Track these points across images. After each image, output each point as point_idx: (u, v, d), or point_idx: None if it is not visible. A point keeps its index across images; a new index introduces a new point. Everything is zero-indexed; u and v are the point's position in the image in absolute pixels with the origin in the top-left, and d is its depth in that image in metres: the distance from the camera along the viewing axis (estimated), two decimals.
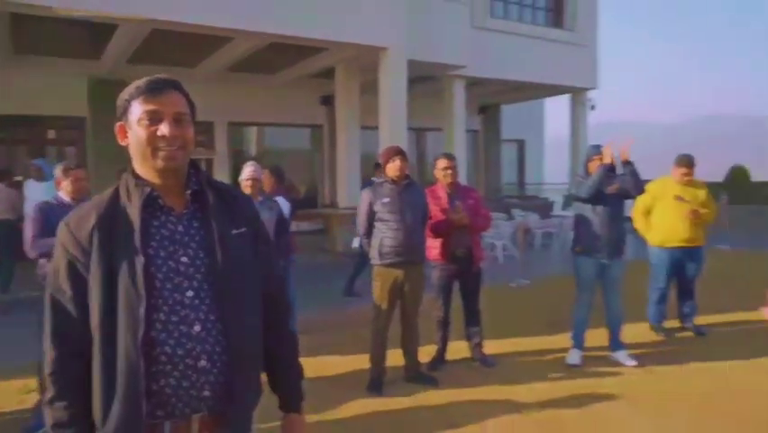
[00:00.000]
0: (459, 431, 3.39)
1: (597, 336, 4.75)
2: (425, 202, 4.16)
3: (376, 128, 9.32)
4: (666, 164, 5.41)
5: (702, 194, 5.06)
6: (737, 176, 14.88)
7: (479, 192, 4.71)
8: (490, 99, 14.45)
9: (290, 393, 1.50)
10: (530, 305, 6.57)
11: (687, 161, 4.97)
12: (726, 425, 3.43)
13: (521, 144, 16.87)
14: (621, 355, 4.52)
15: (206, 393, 1.23)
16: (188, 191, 1.31)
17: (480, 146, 15.30)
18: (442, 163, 4.40)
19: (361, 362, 4.18)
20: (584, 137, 12.68)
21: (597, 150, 4.50)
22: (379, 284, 3.99)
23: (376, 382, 4.00)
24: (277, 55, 9.72)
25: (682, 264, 5.16)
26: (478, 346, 4.57)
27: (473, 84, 11.57)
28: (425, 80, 11.38)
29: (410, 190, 4.01)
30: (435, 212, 4.32)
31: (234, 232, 1.33)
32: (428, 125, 13.49)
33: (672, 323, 5.41)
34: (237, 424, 1.29)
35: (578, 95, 12.90)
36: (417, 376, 4.15)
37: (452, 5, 10.02)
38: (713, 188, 16.52)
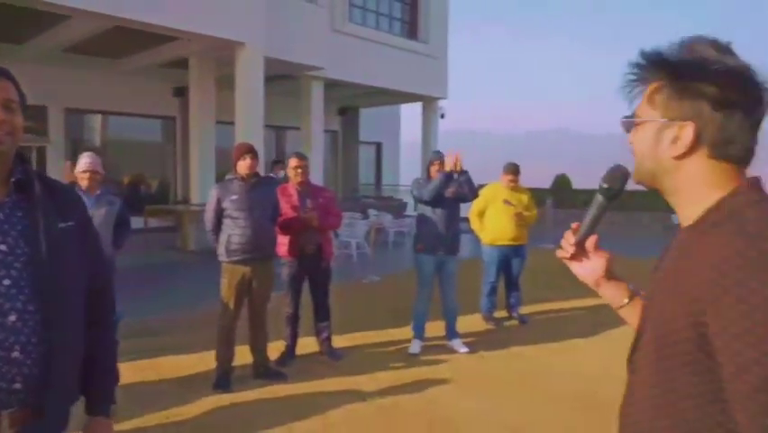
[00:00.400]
0: (304, 421, 3.51)
1: (435, 327, 5.18)
2: (276, 199, 4.22)
3: (232, 123, 9.11)
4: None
5: (525, 198, 5.76)
6: (561, 183, 17.03)
7: (331, 191, 4.88)
8: (350, 102, 14.83)
9: (100, 396, 1.46)
10: (379, 300, 6.91)
11: (513, 169, 5.64)
12: (542, 401, 3.95)
13: (379, 147, 17.54)
14: (456, 343, 4.98)
15: (18, 386, 1.19)
16: (13, 179, 1.26)
17: (339, 147, 15.63)
18: (293, 162, 4.51)
19: (210, 361, 4.12)
20: (434, 143, 13.59)
21: (437, 155, 4.92)
22: (227, 281, 3.97)
23: (223, 380, 3.98)
24: (124, 40, 9.05)
25: (509, 260, 5.83)
26: (326, 341, 4.74)
27: (332, 86, 11.80)
28: (284, 79, 11.36)
29: (259, 188, 4.05)
30: (286, 209, 4.40)
31: (61, 225, 1.30)
32: (288, 124, 13.47)
33: (502, 313, 6.08)
34: (53, 418, 1.26)
35: (429, 103, 13.79)
36: (266, 372, 4.19)
37: (311, 7, 10.15)
38: (542, 193, 18.60)
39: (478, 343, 5.17)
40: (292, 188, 4.52)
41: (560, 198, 16.43)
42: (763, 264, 0.76)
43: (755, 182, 0.90)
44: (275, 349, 4.53)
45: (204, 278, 6.83)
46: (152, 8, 7.46)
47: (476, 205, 5.72)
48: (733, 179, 0.90)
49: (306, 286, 4.64)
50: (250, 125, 8.84)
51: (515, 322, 5.94)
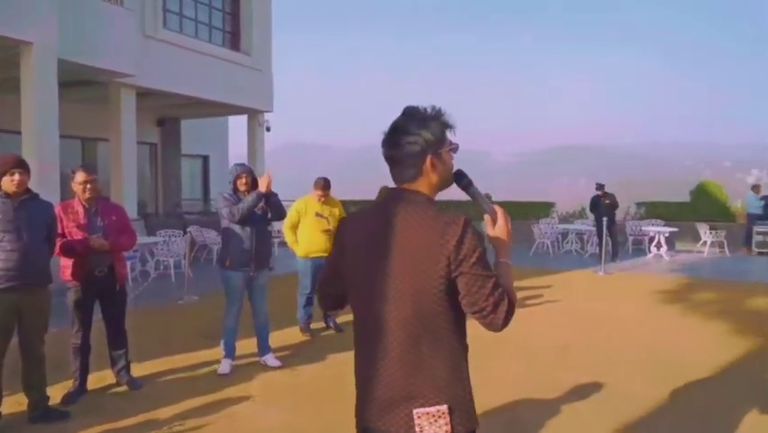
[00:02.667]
0: None
1: (249, 344, 5.08)
2: (52, 219, 3.78)
3: (18, 132, 8.01)
4: (343, 185, 6.16)
5: (337, 211, 5.93)
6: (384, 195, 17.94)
7: (123, 208, 4.50)
8: (169, 112, 13.97)
9: None
10: (194, 321, 6.57)
11: (322, 184, 5.78)
12: (348, 405, 4.03)
13: (205, 160, 16.78)
14: (269, 359, 4.92)
15: None
16: None
17: (158, 160, 14.61)
18: (80, 177, 4.04)
19: None
20: (261, 156, 13.39)
21: (244, 168, 4.82)
22: None
23: None
24: None
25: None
26: (124, 370, 4.36)
27: (147, 95, 11.02)
28: (89, 85, 10.33)
29: (31, 206, 3.59)
30: (71, 229, 3.97)
31: None
32: (96, 135, 12.26)
33: (319, 324, 6.16)
34: None
35: (254, 115, 13.57)
36: (46, 414, 3.70)
37: (117, 9, 9.40)
38: (367, 204, 19.36)
39: (293, 356, 5.18)
40: (78, 204, 4.07)
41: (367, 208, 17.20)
42: None
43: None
44: (63, 387, 4.05)
45: None
46: None
47: (289, 218, 5.74)
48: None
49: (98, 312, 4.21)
50: (42, 135, 7.84)
51: (331, 331, 6.06)
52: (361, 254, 1.55)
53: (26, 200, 3.57)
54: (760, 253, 13.05)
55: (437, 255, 1.42)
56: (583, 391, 4.26)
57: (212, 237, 10.86)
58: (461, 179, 1.60)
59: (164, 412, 3.84)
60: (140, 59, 9.89)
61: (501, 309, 1.44)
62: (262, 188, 4.60)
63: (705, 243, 13.47)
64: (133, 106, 10.52)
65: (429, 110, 1.53)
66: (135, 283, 8.30)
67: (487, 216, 1.60)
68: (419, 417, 1.44)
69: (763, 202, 13.98)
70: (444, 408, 1.44)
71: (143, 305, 7.05)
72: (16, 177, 3.49)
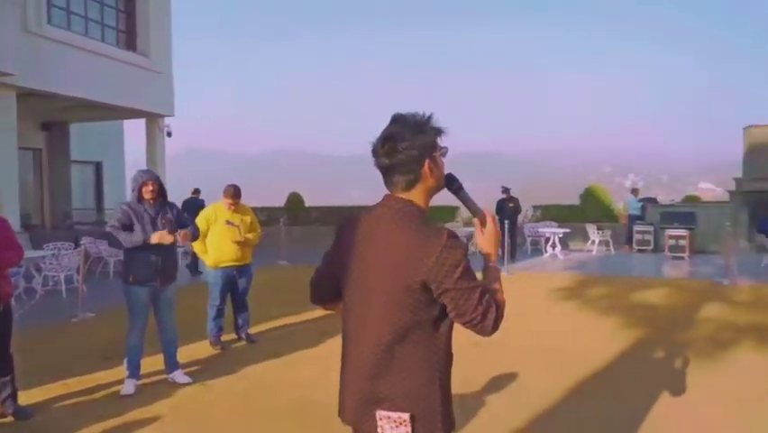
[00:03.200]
0: None
1: (156, 362, 4.78)
2: None
3: None
4: (249, 191, 5.95)
5: (249, 218, 5.75)
6: (294, 202, 17.76)
7: (6, 221, 4.05)
8: (56, 115, 12.87)
9: None
10: (90, 340, 6.08)
11: (232, 192, 5.57)
12: (261, 417, 3.95)
13: (98, 166, 15.63)
14: (177, 375, 4.66)
15: None
16: None
17: (43, 167, 13.39)
18: None
19: None
20: (162, 163, 12.69)
21: (149, 175, 4.51)
22: None
23: None
24: None
25: (235, 281, 5.73)
26: (9, 399, 3.93)
27: (29, 96, 10.07)
28: None
29: None
30: None
31: None
32: None
33: (231, 336, 5.94)
34: None
35: (154, 120, 12.84)
36: None
37: None
38: (276, 211, 19.02)
39: (203, 370, 4.95)
40: None
41: (293, 215, 17.13)
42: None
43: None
44: None
45: None
46: None
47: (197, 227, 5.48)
48: None
49: None
50: None
51: (243, 343, 5.86)
52: (352, 256, 1.61)
53: None
54: (640, 251, 14.39)
55: (414, 270, 1.46)
56: (493, 386, 4.45)
57: (108, 249, 10.12)
58: (451, 182, 1.64)
59: None
60: (21, 57, 9.02)
61: (490, 317, 1.49)
62: (154, 240, 4.31)
63: (593, 242, 14.64)
64: (13, 108, 9.57)
65: (419, 116, 1.58)
66: (20, 302, 7.53)
67: (476, 220, 1.64)
68: (381, 419, 1.49)
69: (641, 204, 15.55)
70: (406, 416, 1.48)
71: (31, 325, 6.42)
72: None
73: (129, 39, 12.31)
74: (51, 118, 12.98)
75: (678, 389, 4.41)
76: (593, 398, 4.21)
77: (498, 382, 4.54)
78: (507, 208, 12.71)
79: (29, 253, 8.27)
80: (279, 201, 18.15)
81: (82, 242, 9.57)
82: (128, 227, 4.39)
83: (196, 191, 11.82)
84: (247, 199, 6.01)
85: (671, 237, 13.43)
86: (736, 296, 8.34)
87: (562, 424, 3.79)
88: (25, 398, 4.10)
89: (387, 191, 1.59)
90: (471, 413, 3.91)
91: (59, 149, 13.39)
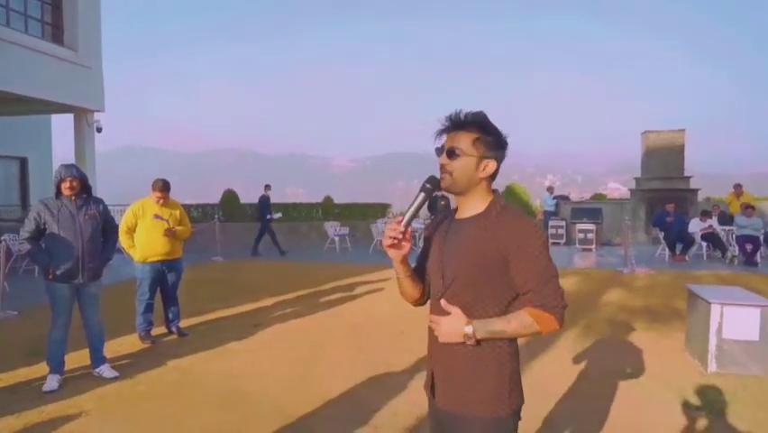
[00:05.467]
0: None
1: (82, 357, 4.78)
2: None
3: None
4: (185, 188, 5.94)
5: (177, 213, 5.80)
6: (229, 198, 17.65)
7: None
8: None
9: None
10: (13, 338, 5.94)
11: (161, 186, 5.61)
12: (190, 409, 4.04)
13: (23, 162, 14.95)
14: (104, 370, 4.67)
15: None
16: None
17: None
18: None
19: None
20: (91, 158, 12.29)
21: (70, 171, 4.49)
22: None
23: None
24: None
25: (164, 276, 5.76)
26: None
27: None
28: None
29: None
30: None
31: None
32: None
33: (161, 330, 5.97)
34: None
35: (82, 115, 12.43)
36: None
37: None
38: (211, 208, 18.82)
39: (131, 365, 4.97)
40: None
41: (228, 212, 17.03)
42: (537, 229, 1.66)
43: (497, 191, 1.77)
44: None
45: None
46: None
47: (125, 221, 5.50)
48: (492, 189, 1.77)
49: None
50: None
51: (174, 337, 5.90)
52: None
53: None
54: (554, 243, 15.16)
55: None
56: (414, 371, 4.73)
57: (27, 246, 9.76)
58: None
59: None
60: None
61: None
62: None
63: None
64: None
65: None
66: None
67: (399, 217, 1.74)
68: None
69: (555, 201, 16.80)
70: None
71: None
72: None
73: (55, 32, 11.84)
74: None
75: (579, 367, 4.85)
76: None
77: (418, 367, 4.81)
78: (439, 205, 13.21)
79: None
80: (215, 198, 17.94)
81: (3, 238, 9.21)
82: (40, 231, 4.40)
83: (268, 187, 13.57)
84: (182, 196, 6.05)
85: (580, 231, 14.48)
86: (634, 282, 9.16)
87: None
88: None
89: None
90: (395, 396, 4.15)
91: None
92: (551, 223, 15.73)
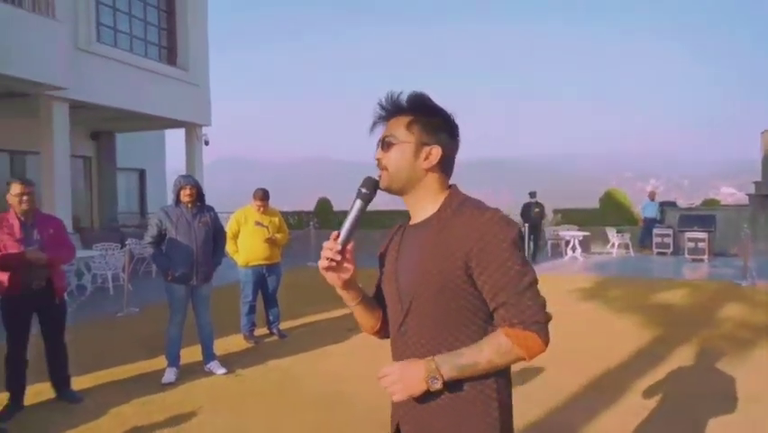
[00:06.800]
0: None
1: (194, 353, 5.16)
2: None
3: None
4: (279, 198, 6.30)
5: (276, 219, 6.11)
6: (323, 206, 18.33)
7: (60, 220, 4.50)
8: (104, 125, 13.65)
9: None
10: (134, 333, 6.53)
11: (261, 195, 5.95)
12: (292, 407, 4.24)
13: (142, 174, 16.42)
14: (213, 366, 5.02)
15: None
16: None
17: (93, 173, 14.21)
18: (16, 189, 4.02)
19: None
20: (199, 170, 13.29)
21: (187, 180, 4.89)
22: None
23: None
24: None
25: (265, 279, 6.08)
26: (63, 384, 4.35)
27: (80, 108, 10.78)
28: (18, 98, 10.02)
29: None
30: (6, 242, 3.96)
31: None
32: (26, 148, 11.84)
33: (263, 331, 6.29)
34: None
35: (192, 130, 13.48)
36: None
37: (46, 22, 9.19)
38: (306, 216, 19.54)
39: (236, 362, 5.28)
40: (13, 218, 4.06)
41: (322, 219, 17.66)
42: (504, 223, 1.28)
43: (455, 186, 1.44)
44: None
45: None
46: None
47: (229, 228, 5.87)
48: (447, 185, 1.42)
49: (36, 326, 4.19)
50: None
51: (274, 338, 6.20)
52: None
53: None
54: (659, 253, 14.28)
55: None
56: (514, 381, 4.62)
57: (150, 250, 10.70)
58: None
59: (106, 424, 3.87)
60: (73, 72, 9.69)
61: None
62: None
63: (613, 245, 14.66)
64: (66, 119, 10.27)
65: None
66: (72, 297, 8.11)
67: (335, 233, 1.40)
68: None
69: (658, 207, 15.56)
70: None
71: (82, 318, 6.94)
72: None
73: (170, 54, 12.99)
74: (100, 128, 13.78)
75: (692, 386, 4.51)
76: (609, 394, 4.31)
77: (517, 377, 4.69)
78: (533, 213, 12.88)
79: (80, 253, 8.89)
80: (309, 206, 18.76)
81: (127, 243, 10.18)
82: (161, 237, 4.81)
83: (533, 194, 13.26)
84: (278, 204, 6.37)
85: (690, 240, 13.40)
86: (755, 296, 8.29)
87: (577, 419, 3.90)
88: (77, 384, 4.50)
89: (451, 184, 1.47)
90: None
91: (107, 157, 14.18)
92: (656, 231, 14.65)
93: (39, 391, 4.33)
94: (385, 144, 1.38)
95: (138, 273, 11.08)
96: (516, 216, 14.97)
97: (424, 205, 1.40)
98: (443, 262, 1.29)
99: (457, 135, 1.42)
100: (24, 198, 4.04)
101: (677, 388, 4.44)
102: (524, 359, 1.27)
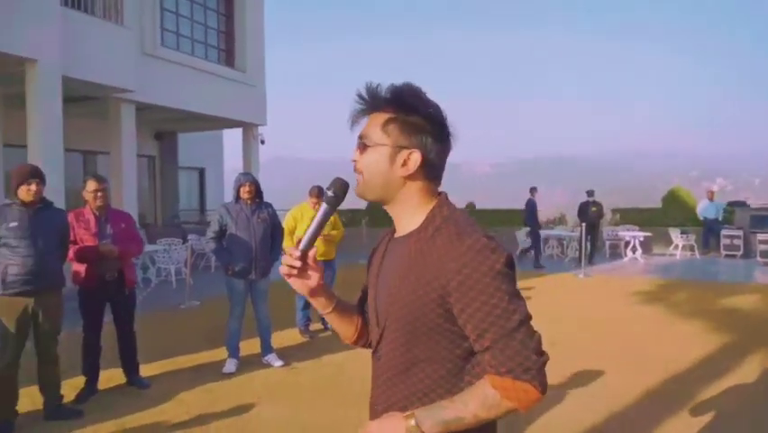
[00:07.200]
0: None
1: (252, 345, 5.32)
2: (65, 226, 4.01)
3: (24, 146, 8.28)
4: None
5: (332, 217, 6.21)
6: (374, 204, 18.42)
7: (131, 216, 4.74)
8: (166, 126, 14.26)
9: None
10: (196, 325, 6.81)
11: (317, 191, 6.07)
12: (343, 403, 4.31)
13: (202, 172, 17.04)
14: (271, 358, 5.16)
15: None
16: None
17: (156, 172, 14.88)
18: (91, 186, 4.28)
19: None
20: (256, 169, 13.66)
21: (247, 178, 5.06)
22: (4, 315, 3.63)
23: (4, 427, 3.63)
24: None
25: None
26: (133, 370, 4.59)
27: (145, 109, 11.31)
28: (90, 101, 10.61)
29: (45, 214, 3.80)
30: (83, 236, 4.22)
31: None
32: (97, 148, 12.52)
33: (317, 326, 6.42)
34: None
35: (249, 129, 13.89)
36: (58, 412, 3.91)
37: (115, 28, 9.69)
38: (358, 214, 19.74)
39: (292, 355, 5.41)
40: (89, 213, 4.32)
41: (374, 217, 17.80)
42: (488, 251, 1.07)
43: (446, 195, 1.23)
44: (74, 387, 4.27)
45: None
46: None
47: (286, 225, 6.02)
48: (436, 193, 1.22)
49: (108, 315, 4.44)
50: (46, 149, 8.10)
51: (329, 333, 6.30)
52: None
53: (41, 209, 3.78)
54: (728, 256, 13.54)
55: None
56: (570, 384, 4.52)
57: (212, 245, 11.12)
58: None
59: (171, 410, 4.06)
60: (139, 76, 10.18)
61: None
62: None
63: (677, 246, 14.01)
64: (133, 121, 10.81)
65: None
66: (138, 289, 8.49)
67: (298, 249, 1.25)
68: None
69: (721, 208, 14.69)
70: None
71: (148, 310, 7.30)
72: (33, 187, 3.68)
73: (228, 56, 13.43)
74: (163, 129, 14.41)
75: (762, 398, 4.27)
76: (671, 402, 4.16)
77: (575, 381, 4.60)
78: (590, 212, 12.50)
79: (145, 248, 9.36)
80: (361, 204, 18.97)
81: (189, 238, 10.61)
82: (222, 232, 4.98)
83: (534, 190, 12.35)
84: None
85: (762, 242, 12.60)
86: None
87: (637, 425, 3.79)
88: (144, 370, 4.73)
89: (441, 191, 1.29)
90: (544, 408, 4.02)
91: (169, 156, 14.82)
92: (724, 232, 13.93)
93: (111, 377, 4.58)
94: (361, 145, 1.20)
95: (198, 268, 11.52)
96: (573, 216, 14.60)
97: (404, 217, 1.22)
98: (415, 294, 1.12)
99: (446, 137, 1.20)
100: (99, 194, 4.29)
101: (744, 399, 4.22)
102: (516, 410, 1.08)
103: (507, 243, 12.40)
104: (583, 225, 11.18)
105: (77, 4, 9.09)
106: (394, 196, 1.20)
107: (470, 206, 19.33)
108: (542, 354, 1.09)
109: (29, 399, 3.97)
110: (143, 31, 10.78)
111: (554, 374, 4.63)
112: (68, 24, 8.59)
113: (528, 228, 12.73)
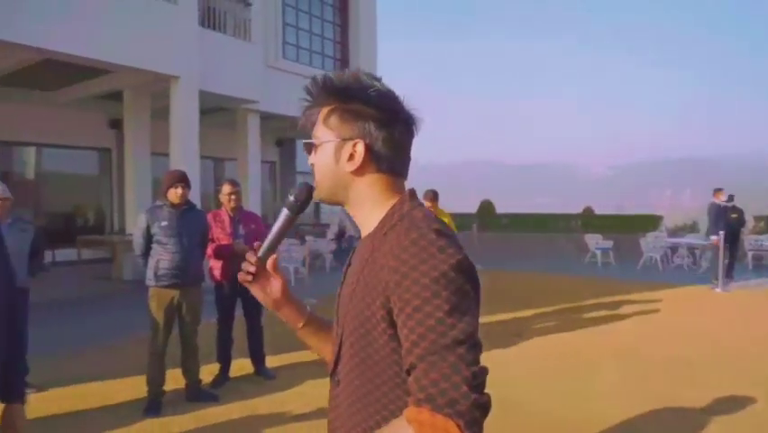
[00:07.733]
0: None
1: None
2: (205, 226, 4.40)
3: (167, 155, 9.23)
4: (448, 198, 6.47)
5: (447, 220, 6.21)
6: (485, 208, 18.16)
7: (260, 217, 5.11)
8: (286, 133, 15.16)
9: (14, 385, 1.64)
10: None
11: (431, 196, 6.12)
12: None
13: None
14: None
15: None
16: None
17: (277, 176, 15.86)
18: (226, 189, 4.70)
19: (141, 387, 4.17)
20: None
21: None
22: (155, 305, 4.08)
23: (153, 404, 4.05)
24: (55, 72, 9.04)
25: None
26: (260, 361, 4.93)
27: (268, 118, 12.11)
28: (220, 111, 11.59)
29: (189, 215, 4.20)
30: (219, 235, 4.61)
31: None
32: (225, 155, 13.61)
33: None
34: None
35: None
36: (198, 395, 4.30)
37: (244, 45, 10.51)
38: (468, 217, 19.56)
39: None
40: (225, 214, 4.72)
41: (484, 221, 17.54)
42: (433, 248, 0.89)
43: (413, 192, 1.06)
44: (210, 372, 4.65)
45: (136, 305, 6.84)
46: (82, 41, 7.57)
47: None
48: (398, 189, 1.05)
49: (239, 309, 4.80)
50: (186, 156, 8.98)
51: None
52: None
53: (187, 210, 4.20)
54: None
55: None
56: (712, 409, 4.15)
57: (323, 246, 11.62)
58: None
59: (292, 402, 4.28)
60: (263, 87, 10.94)
61: None
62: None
63: None
64: (257, 129, 11.62)
65: None
66: None
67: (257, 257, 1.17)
68: None
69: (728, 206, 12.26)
70: None
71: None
72: (180, 190, 4.11)
73: (343, 65, 14.00)
74: (283, 136, 15.34)
75: None
76: None
77: (718, 406, 4.21)
78: (730, 219, 11.14)
79: None
80: (471, 208, 18.81)
81: (306, 239, 11.16)
82: (342, 234, 5.18)
83: (719, 191, 10.54)
84: (446, 206, 6.51)
85: None
86: None
87: None
88: (270, 362, 5.03)
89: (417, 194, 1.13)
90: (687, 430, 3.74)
91: (288, 162, 15.76)
92: None
93: (241, 366, 4.93)
94: (307, 146, 1.09)
95: (314, 267, 12.07)
96: (703, 222, 13.26)
97: (361, 218, 1.07)
98: (363, 302, 0.96)
99: (396, 122, 1.02)
100: (233, 196, 4.68)
101: None
102: None
103: (631, 251, 11.42)
104: (721, 233, 10.08)
105: (212, 25, 9.98)
106: (347, 195, 1.05)
107: (588, 210, 18.36)
108: (480, 391, 0.84)
109: (173, 381, 4.38)
110: (267, 45, 11.57)
111: (694, 397, 4.30)
112: (205, 43, 9.45)
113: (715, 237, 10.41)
